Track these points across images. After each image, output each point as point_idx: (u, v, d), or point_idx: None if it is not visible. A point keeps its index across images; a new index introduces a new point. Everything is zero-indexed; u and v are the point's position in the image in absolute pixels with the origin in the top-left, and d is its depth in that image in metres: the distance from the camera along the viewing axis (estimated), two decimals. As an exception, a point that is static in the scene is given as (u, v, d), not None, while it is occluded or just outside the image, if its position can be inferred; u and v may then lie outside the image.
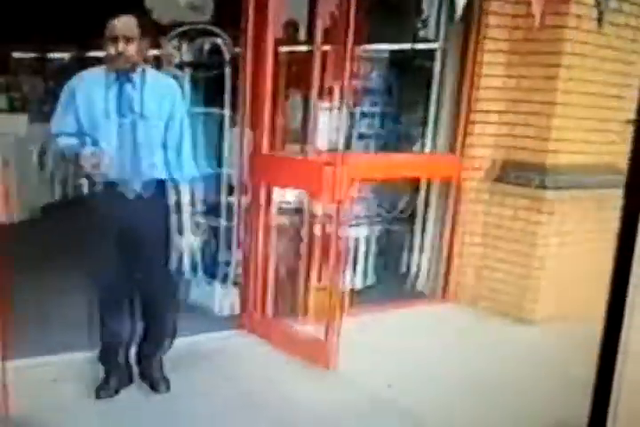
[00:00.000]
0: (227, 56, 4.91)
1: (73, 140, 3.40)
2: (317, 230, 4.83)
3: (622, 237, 1.56)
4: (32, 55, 12.34)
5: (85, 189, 3.48)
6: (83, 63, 11.82)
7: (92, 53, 11.87)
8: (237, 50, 4.79)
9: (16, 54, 12.04)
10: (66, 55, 12.92)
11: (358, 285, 5.75)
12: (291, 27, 5.25)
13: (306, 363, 4.29)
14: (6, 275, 3.12)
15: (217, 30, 4.98)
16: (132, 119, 3.34)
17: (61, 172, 8.83)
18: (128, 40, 3.26)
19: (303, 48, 5.11)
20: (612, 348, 1.63)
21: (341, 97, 3.89)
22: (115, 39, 3.26)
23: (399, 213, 6.00)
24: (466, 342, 4.80)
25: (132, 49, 3.27)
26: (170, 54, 5.08)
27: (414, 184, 5.88)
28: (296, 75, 5.73)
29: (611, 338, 1.61)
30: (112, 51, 3.27)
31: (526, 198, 5.08)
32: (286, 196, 5.21)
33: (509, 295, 5.28)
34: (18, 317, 3.46)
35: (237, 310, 4.98)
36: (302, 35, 5.52)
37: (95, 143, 3.32)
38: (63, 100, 3.43)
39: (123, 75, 3.33)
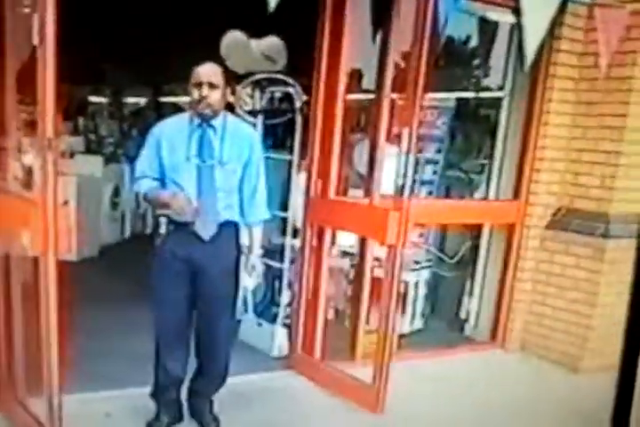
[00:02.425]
0: (297, 104, 5.07)
1: (155, 183, 3.56)
2: (374, 273, 4.93)
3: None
4: (108, 99, 12.81)
5: (162, 229, 3.53)
6: (157, 108, 12.37)
7: (166, 99, 12.36)
8: (307, 98, 4.94)
9: (93, 98, 12.49)
10: (141, 100, 13.37)
11: (408, 328, 5.80)
12: (355, 75, 5.42)
13: (353, 406, 4.32)
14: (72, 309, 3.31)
15: (288, 79, 5.17)
16: (212, 164, 3.47)
17: (133, 212, 9.17)
18: (212, 86, 3.39)
19: (368, 96, 5.28)
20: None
21: (408, 144, 3.93)
22: (199, 85, 3.39)
23: (460, 258, 6.07)
24: (513, 389, 4.82)
25: (215, 95, 3.40)
26: (242, 101, 5.27)
27: (476, 230, 5.94)
28: (360, 121, 5.90)
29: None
30: (196, 96, 3.41)
31: (589, 247, 5.08)
32: (347, 239, 5.34)
33: (561, 343, 5.29)
34: (77, 351, 3.59)
35: (287, 351, 5.06)
36: (365, 83, 5.70)
37: (176, 185, 3.47)
38: (147, 146, 3.57)
39: (205, 120, 3.47)
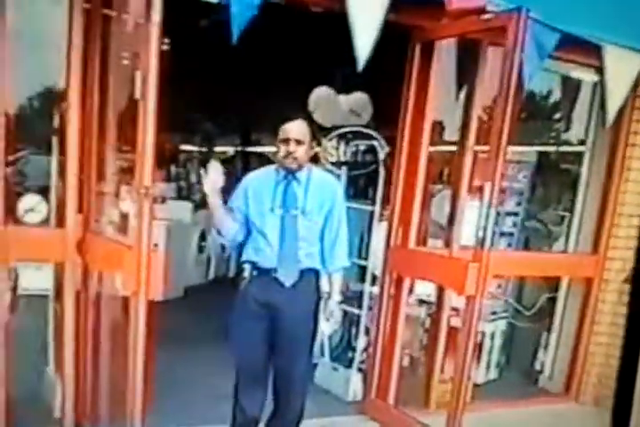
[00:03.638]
0: (380, 156, 5.21)
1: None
2: (450, 323, 4.99)
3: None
4: (199, 148, 13.23)
5: (246, 274, 3.72)
6: (245, 157, 12.70)
7: (253, 149, 12.71)
8: (390, 149, 5.08)
9: (185, 146, 12.90)
10: (230, 149, 13.74)
11: (483, 379, 5.83)
12: (437, 127, 5.54)
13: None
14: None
15: (373, 133, 5.33)
16: (295, 214, 3.63)
17: (218, 256, 9.42)
18: (298, 143, 3.57)
19: (449, 148, 5.39)
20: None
21: (490, 197, 3.99)
22: (286, 141, 3.57)
23: (537, 309, 6.05)
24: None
25: (300, 151, 3.58)
26: (328, 153, 5.44)
27: (554, 281, 5.95)
28: (441, 172, 5.99)
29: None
30: (283, 151, 3.59)
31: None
32: (424, 288, 5.39)
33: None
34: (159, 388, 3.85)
35: (361, 396, 5.12)
36: (447, 135, 5.82)
37: (260, 234, 3.65)
38: (235, 196, 3.78)
39: (290, 173, 3.65)
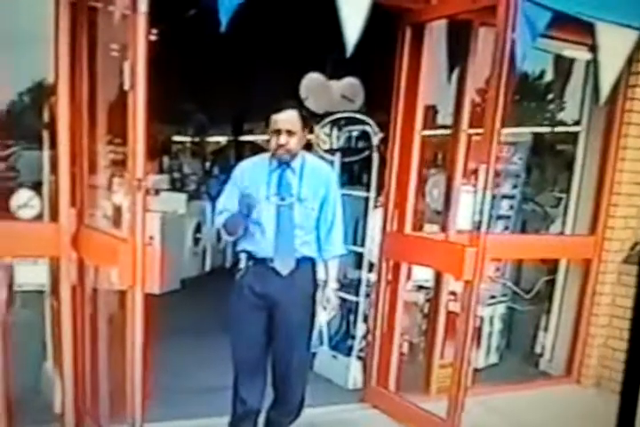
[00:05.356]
0: (374, 142, 5.18)
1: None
2: (449, 308, 4.98)
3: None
4: (191, 139, 13.23)
5: (242, 264, 3.68)
6: (237, 147, 12.72)
7: (246, 138, 12.72)
8: (383, 135, 5.06)
9: (177, 138, 12.90)
10: (223, 139, 13.72)
11: (483, 363, 5.82)
12: (430, 111, 5.50)
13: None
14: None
15: (366, 118, 5.29)
16: (290, 202, 3.59)
17: (213, 246, 9.40)
18: (289, 133, 3.51)
19: (443, 131, 5.36)
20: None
21: (485, 180, 3.92)
22: (277, 132, 3.52)
23: (535, 292, 6.04)
24: (589, 424, 4.71)
25: (293, 141, 3.52)
26: (321, 140, 5.41)
27: (552, 264, 5.94)
28: (435, 157, 5.96)
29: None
30: (274, 143, 3.54)
31: (667, 281, 5.01)
32: (422, 273, 5.37)
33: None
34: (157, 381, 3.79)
35: (361, 384, 5.11)
36: (440, 118, 5.79)
37: (255, 223, 3.60)
38: (229, 184, 3.73)
39: (284, 163, 3.60)
